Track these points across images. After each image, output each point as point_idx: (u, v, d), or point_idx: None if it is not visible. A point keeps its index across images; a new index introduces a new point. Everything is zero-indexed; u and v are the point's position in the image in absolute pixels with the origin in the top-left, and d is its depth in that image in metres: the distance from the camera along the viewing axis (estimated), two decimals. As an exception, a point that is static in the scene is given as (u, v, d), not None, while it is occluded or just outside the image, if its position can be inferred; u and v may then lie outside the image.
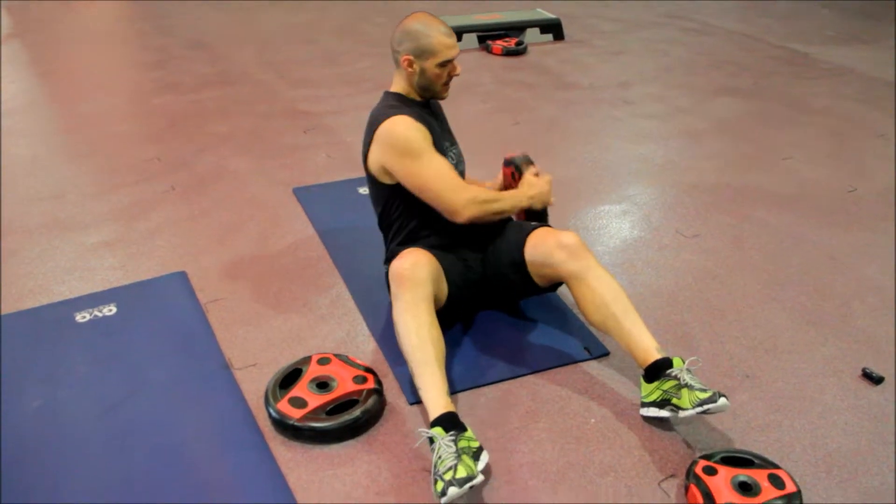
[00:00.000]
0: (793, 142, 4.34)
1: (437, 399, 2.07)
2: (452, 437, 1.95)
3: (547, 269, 2.42)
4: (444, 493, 1.81)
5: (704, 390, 2.04)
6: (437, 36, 2.38)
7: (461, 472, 1.84)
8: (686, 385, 2.08)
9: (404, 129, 2.38)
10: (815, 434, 2.20)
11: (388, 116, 2.41)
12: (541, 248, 2.42)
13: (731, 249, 3.18)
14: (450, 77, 2.47)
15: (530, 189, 2.57)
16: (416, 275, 2.24)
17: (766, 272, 3.02)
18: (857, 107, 4.92)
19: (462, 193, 2.39)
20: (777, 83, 5.43)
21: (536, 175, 2.63)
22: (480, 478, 1.86)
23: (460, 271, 2.51)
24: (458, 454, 1.90)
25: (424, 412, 2.24)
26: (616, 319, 2.28)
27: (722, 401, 1.99)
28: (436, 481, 1.87)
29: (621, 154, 4.19)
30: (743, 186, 3.77)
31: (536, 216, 2.66)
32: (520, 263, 2.47)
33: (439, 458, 1.91)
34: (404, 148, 2.39)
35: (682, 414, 2.06)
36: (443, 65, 2.41)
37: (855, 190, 3.74)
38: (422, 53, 2.39)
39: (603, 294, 2.31)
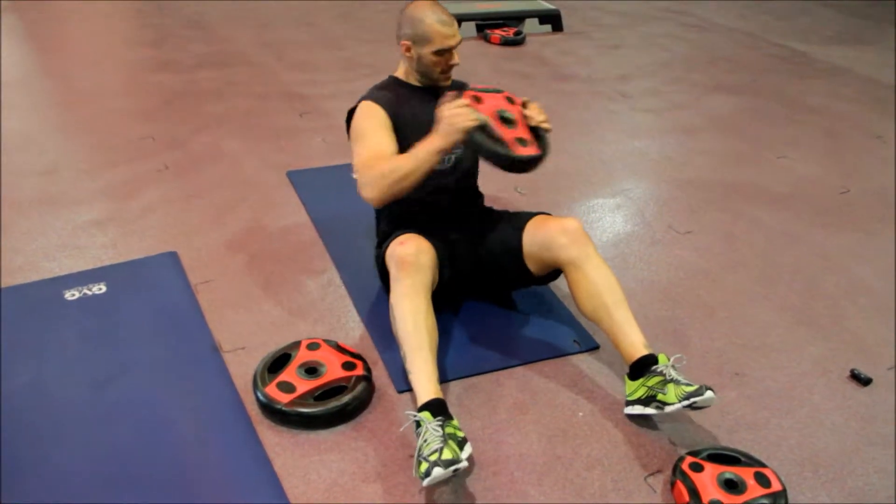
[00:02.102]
0: (788, 140, 4.34)
1: (427, 385, 2.07)
2: (440, 423, 1.94)
3: (546, 253, 2.40)
4: (427, 474, 1.80)
5: (690, 384, 2.05)
6: (435, 24, 2.37)
7: (447, 455, 1.83)
8: (672, 380, 2.08)
9: (358, 112, 2.48)
10: (802, 433, 2.20)
11: (358, 101, 2.50)
12: (542, 231, 2.42)
13: (723, 246, 3.18)
14: (448, 66, 2.46)
15: (437, 125, 2.26)
16: (419, 261, 2.24)
17: (757, 270, 3.02)
18: (853, 107, 4.93)
19: (365, 174, 2.30)
20: (774, 81, 5.42)
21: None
22: (465, 463, 1.86)
23: (448, 257, 2.49)
24: (445, 439, 1.90)
25: (413, 399, 2.25)
26: (607, 310, 2.28)
27: (708, 394, 1.99)
28: (419, 463, 1.86)
29: (617, 147, 4.18)
30: (737, 184, 3.77)
31: (479, 148, 2.24)
32: (516, 250, 2.47)
33: (425, 441, 1.90)
34: (352, 130, 2.49)
35: (667, 409, 2.07)
36: (439, 53, 2.41)
37: (848, 191, 3.74)
38: (419, 40, 2.40)
39: (598, 283, 2.30)
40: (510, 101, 2.37)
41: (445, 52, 2.41)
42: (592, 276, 2.32)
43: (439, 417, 1.97)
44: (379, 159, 2.31)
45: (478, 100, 2.30)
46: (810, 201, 3.62)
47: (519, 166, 2.28)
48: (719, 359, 2.51)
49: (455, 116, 2.20)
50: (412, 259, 2.23)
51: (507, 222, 2.55)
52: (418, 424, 1.97)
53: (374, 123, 2.41)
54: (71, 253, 2.96)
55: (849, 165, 4.04)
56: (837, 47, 6.38)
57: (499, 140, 2.22)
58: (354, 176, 2.37)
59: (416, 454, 1.91)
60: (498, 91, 2.41)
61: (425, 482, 1.82)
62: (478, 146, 2.22)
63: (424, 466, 1.83)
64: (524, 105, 2.38)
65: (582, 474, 2.04)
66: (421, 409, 2.01)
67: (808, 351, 2.57)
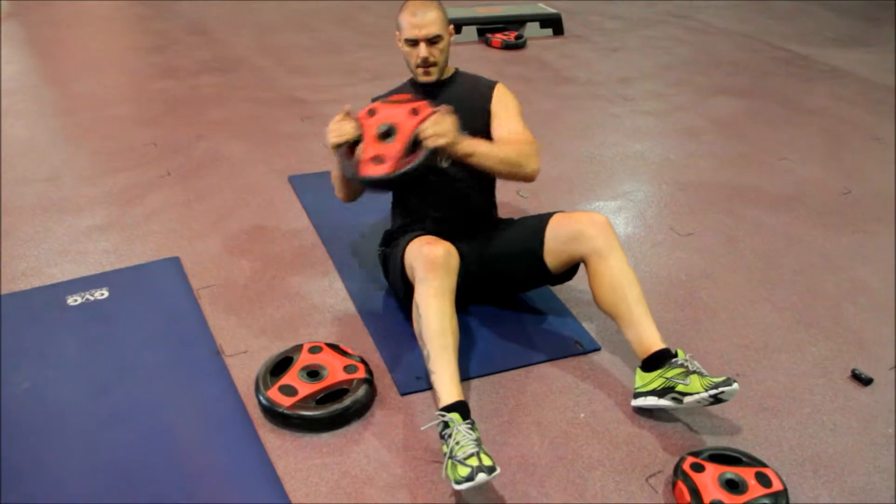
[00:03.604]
0: (789, 142, 4.35)
1: (450, 387, 2.07)
2: (470, 425, 1.96)
3: (572, 244, 2.39)
4: (470, 479, 1.80)
5: (715, 377, 2.05)
6: (406, 14, 2.48)
7: (487, 461, 1.84)
8: (696, 371, 2.09)
9: None
10: (804, 433, 2.21)
11: None
12: (570, 224, 2.42)
13: (724, 248, 3.19)
14: (422, 60, 2.50)
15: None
16: (448, 263, 2.25)
17: (758, 272, 3.02)
18: (854, 109, 4.93)
19: None
20: (775, 84, 5.43)
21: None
22: (499, 471, 1.86)
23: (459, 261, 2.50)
24: (478, 442, 1.91)
25: (418, 401, 2.27)
26: (628, 304, 2.29)
27: (735, 385, 1.99)
28: (455, 465, 1.85)
29: (618, 150, 4.19)
30: (738, 186, 3.78)
31: (344, 169, 2.40)
32: (536, 249, 2.45)
33: (457, 443, 1.90)
34: None
35: (687, 400, 2.06)
36: (409, 43, 2.49)
37: (850, 192, 3.74)
38: (398, 29, 2.52)
39: (621, 277, 2.32)
40: (414, 112, 2.34)
41: (414, 44, 2.48)
42: (616, 269, 2.32)
43: (468, 420, 1.98)
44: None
45: (371, 112, 2.40)
46: (811, 203, 3.62)
47: (367, 185, 2.39)
48: (721, 359, 2.51)
49: (327, 132, 2.39)
50: (443, 261, 2.23)
51: (524, 223, 2.57)
52: (446, 425, 1.97)
53: None
54: (73, 259, 2.97)
55: (849, 167, 4.04)
56: (838, 50, 6.39)
57: (348, 160, 2.35)
58: None
59: (447, 455, 1.90)
60: (410, 101, 2.40)
61: (463, 486, 1.80)
62: (339, 161, 2.41)
63: (465, 471, 1.82)
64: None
65: (583, 475, 2.04)
66: (447, 409, 2.01)
67: (810, 351, 2.57)
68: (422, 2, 2.48)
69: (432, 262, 2.23)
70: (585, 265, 2.41)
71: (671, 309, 2.77)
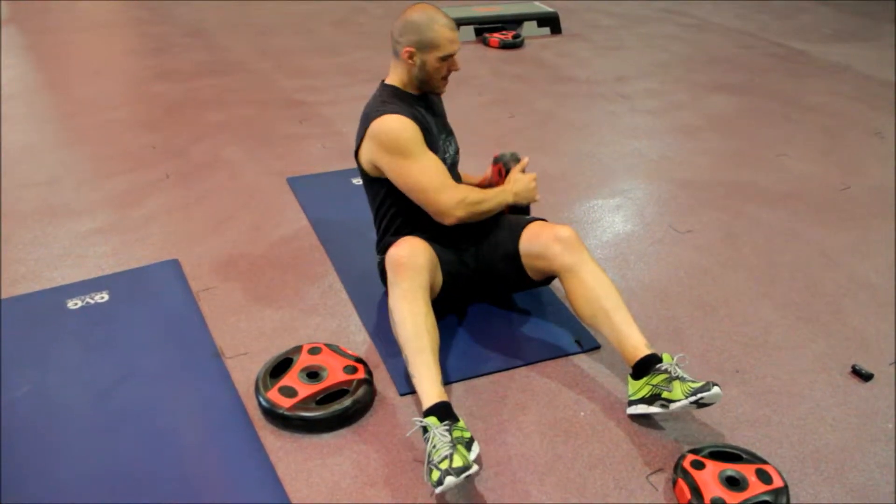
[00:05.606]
0: (787, 139, 4.35)
1: (430, 389, 2.07)
2: (447, 427, 1.95)
3: (541, 261, 2.42)
4: (440, 482, 1.81)
5: (696, 381, 2.05)
6: (441, 29, 2.35)
7: (457, 462, 1.84)
8: (678, 377, 2.08)
9: (396, 127, 2.35)
10: (804, 430, 2.21)
11: (381, 113, 2.36)
12: (537, 240, 2.43)
13: (723, 245, 3.19)
14: (449, 72, 2.45)
15: (515, 185, 2.56)
16: (413, 262, 2.23)
17: (758, 268, 3.02)
18: (852, 104, 4.93)
19: (451, 195, 2.39)
20: (773, 80, 5.43)
21: (523, 172, 2.62)
22: (476, 468, 1.86)
23: (454, 262, 2.51)
24: (454, 444, 1.90)
25: (417, 402, 2.26)
26: (606, 314, 2.28)
27: (715, 389, 1.99)
28: (430, 470, 1.87)
29: (616, 148, 4.19)
30: (737, 183, 3.78)
31: (518, 211, 2.68)
32: (514, 256, 2.48)
33: (434, 447, 1.90)
34: (395, 147, 2.36)
35: (673, 406, 2.06)
36: (444, 59, 2.39)
37: (848, 188, 3.74)
38: (424, 46, 2.36)
39: (594, 288, 2.31)
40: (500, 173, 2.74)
41: (449, 58, 2.41)
42: (588, 282, 2.32)
43: (446, 422, 1.97)
44: (454, 186, 2.42)
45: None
46: (810, 199, 3.62)
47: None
48: (720, 357, 2.51)
49: (533, 190, 2.59)
50: (406, 261, 2.23)
51: (503, 228, 2.56)
52: (425, 430, 1.97)
53: (417, 139, 2.37)
54: (73, 262, 2.98)
55: (848, 162, 4.04)
56: (835, 45, 6.39)
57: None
58: (420, 195, 2.41)
59: (425, 460, 1.92)
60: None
61: (438, 490, 1.82)
62: (523, 211, 2.69)
63: (436, 475, 1.83)
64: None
65: (584, 474, 2.04)
66: (426, 413, 2.02)
67: (809, 347, 2.57)
68: (440, 11, 2.40)
69: (397, 264, 2.23)
70: (560, 280, 2.42)
71: (670, 306, 2.77)
